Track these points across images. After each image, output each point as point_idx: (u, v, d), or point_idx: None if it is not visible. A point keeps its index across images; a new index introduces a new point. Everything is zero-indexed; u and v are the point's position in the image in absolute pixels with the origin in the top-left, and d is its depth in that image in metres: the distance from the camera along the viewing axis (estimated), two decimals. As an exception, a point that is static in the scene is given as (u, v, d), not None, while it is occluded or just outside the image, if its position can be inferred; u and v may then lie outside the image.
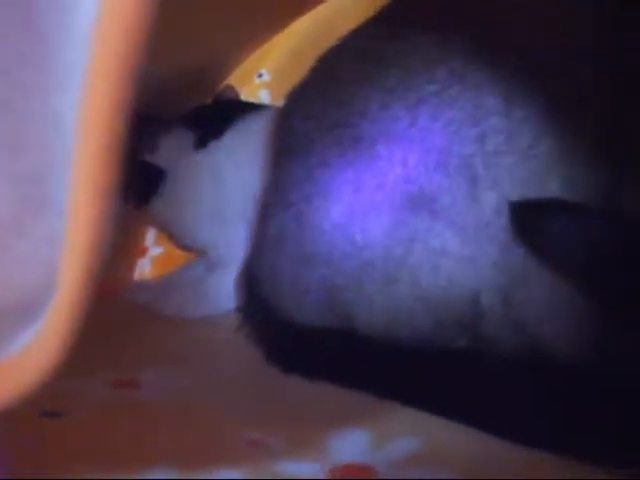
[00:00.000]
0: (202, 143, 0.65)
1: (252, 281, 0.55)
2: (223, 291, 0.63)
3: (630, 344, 0.41)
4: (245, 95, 0.76)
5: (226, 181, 0.65)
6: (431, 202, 0.45)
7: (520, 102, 0.44)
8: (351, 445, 0.42)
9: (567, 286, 0.42)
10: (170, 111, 0.68)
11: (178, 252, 0.73)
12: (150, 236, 0.74)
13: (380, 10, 0.54)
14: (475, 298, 0.45)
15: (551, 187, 0.43)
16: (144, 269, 0.73)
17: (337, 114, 0.49)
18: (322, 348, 0.50)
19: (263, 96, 0.77)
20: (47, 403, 0.43)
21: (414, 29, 0.49)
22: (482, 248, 0.44)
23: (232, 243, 0.64)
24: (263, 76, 0.77)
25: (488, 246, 0.44)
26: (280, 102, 0.64)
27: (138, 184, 0.66)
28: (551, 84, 0.44)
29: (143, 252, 0.74)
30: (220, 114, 0.67)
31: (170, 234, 0.71)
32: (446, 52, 0.46)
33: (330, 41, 0.77)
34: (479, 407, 0.44)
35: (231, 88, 0.72)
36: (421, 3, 0.52)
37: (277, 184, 0.54)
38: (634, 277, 0.40)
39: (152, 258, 0.74)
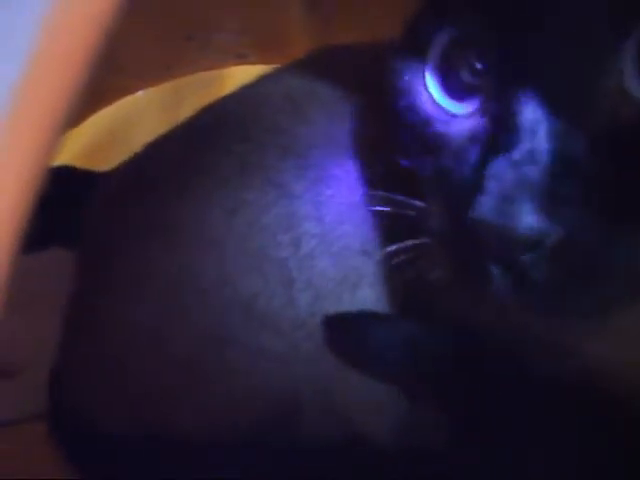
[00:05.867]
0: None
1: (59, 385, 0.52)
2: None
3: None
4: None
5: None
6: (247, 304, 0.46)
7: (331, 207, 0.47)
8: None
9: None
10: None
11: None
12: None
13: (190, 118, 0.55)
14: (294, 395, 0.46)
15: (362, 292, 0.46)
16: None
17: (153, 220, 0.49)
18: (138, 460, 0.48)
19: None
20: None
21: (229, 138, 0.50)
22: (298, 347, 0.46)
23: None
24: (58, 171, 0.75)
25: (304, 344, 0.46)
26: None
27: None
28: None
29: None
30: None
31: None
32: (262, 160, 0.48)
33: (129, 136, 0.78)
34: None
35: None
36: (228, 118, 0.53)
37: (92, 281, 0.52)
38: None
39: None
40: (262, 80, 0.56)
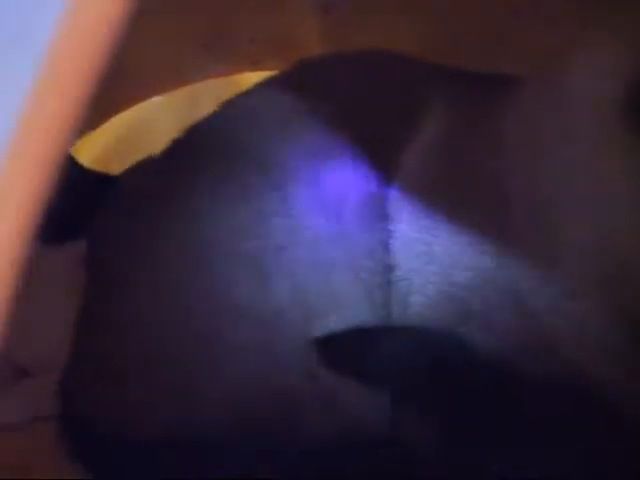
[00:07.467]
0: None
1: (70, 389, 0.53)
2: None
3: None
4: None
5: None
6: (228, 300, 0.48)
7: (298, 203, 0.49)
8: None
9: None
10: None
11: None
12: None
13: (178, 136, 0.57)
14: (288, 386, 0.47)
15: (338, 277, 0.47)
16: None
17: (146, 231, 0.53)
18: (162, 465, 0.49)
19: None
20: None
21: (207, 154, 0.53)
22: (282, 337, 0.47)
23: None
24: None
25: (287, 333, 0.47)
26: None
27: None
28: None
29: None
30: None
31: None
32: (231, 172, 0.51)
33: (145, 141, 0.79)
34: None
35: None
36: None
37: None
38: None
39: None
40: (240, 97, 0.61)
